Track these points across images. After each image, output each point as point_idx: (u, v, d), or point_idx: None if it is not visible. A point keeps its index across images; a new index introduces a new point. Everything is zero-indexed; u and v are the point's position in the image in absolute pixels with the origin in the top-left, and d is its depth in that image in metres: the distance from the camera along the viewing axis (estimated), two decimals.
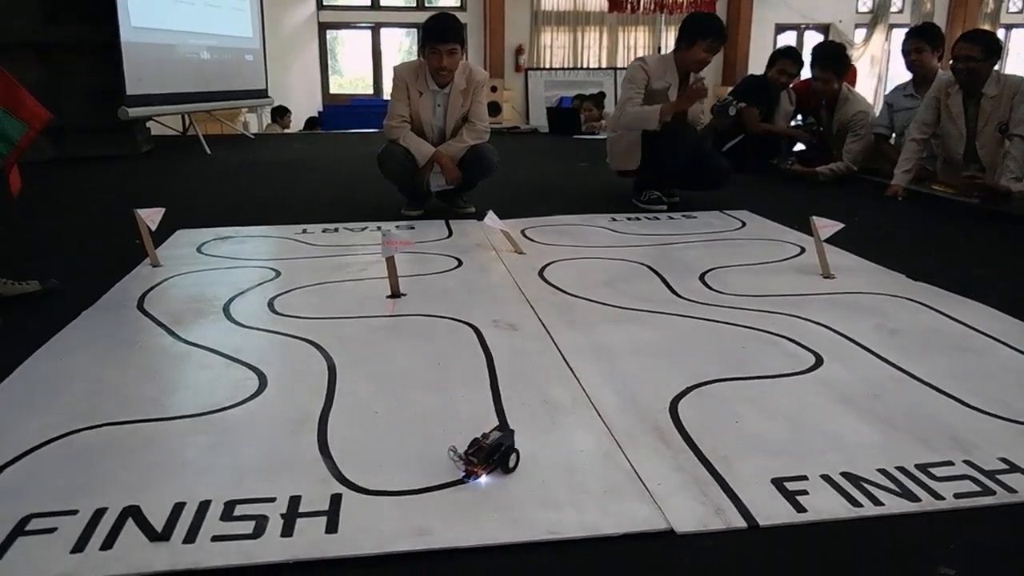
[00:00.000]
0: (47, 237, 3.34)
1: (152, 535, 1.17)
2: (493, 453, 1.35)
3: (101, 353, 1.96)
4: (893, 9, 12.96)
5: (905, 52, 4.81)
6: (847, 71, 4.85)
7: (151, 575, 1.09)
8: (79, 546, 1.15)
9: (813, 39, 13.13)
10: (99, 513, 1.23)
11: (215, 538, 1.17)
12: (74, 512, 1.23)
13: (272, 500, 1.27)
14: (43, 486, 1.32)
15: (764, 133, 5.32)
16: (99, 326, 2.18)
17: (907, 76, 4.90)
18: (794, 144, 5.41)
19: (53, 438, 1.49)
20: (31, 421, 1.56)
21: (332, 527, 1.20)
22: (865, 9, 13.02)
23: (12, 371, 1.82)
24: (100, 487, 1.31)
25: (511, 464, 1.37)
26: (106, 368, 1.86)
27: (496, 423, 1.55)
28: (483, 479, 1.33)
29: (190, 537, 1.17)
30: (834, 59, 4.88)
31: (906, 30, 5.06)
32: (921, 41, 4.68)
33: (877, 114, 5.05)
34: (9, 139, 2.09)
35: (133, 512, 1.23)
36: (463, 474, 1.34)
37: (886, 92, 5.67)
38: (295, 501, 1.27)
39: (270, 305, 2.36)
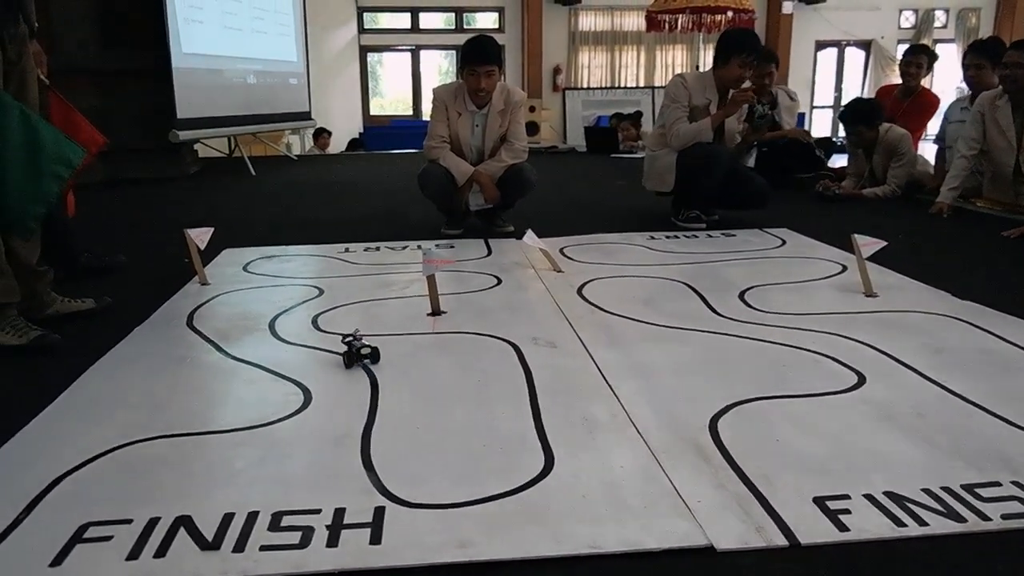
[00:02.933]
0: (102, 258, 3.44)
1: (203, 544, 1.21)
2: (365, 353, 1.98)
3: (153, 368, 2.03)
4: (937, 24, 12.78)
5: (964, 67, 4.79)
6: (880, 118, 4.80)
7: None
8: (134, 553, 1.19)
9: (854, 56, 13.03)
10: (153, 522, 1.27)
11: (263, 547, 1.20)
12: (129, 521, 1.28)
13: (318, 512, 1.30)
14: (100, 496, 1.37)
15: (776, 139, 5.28)
16: (151, 342, 2.25)
17: (951, 91, 4.87)
18: (813, 149, 5.36)
19: (109, 449, 1.54)
20: (88, 433, 1.62)
21: (376, 539, 1.22)
22: (908, 25, 12.87)
23: (69, 385, 1.88)
24: (153, 497, 1.36)
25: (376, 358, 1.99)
26: (158, 383, 1.92)
27: (536, 440, 1.57)
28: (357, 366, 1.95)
29: (239, 546, 1.21)
30: (861, 115, 4.83)
31: (955, 45, 5.08)
32: (981, 58, 4.63)
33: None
34: (70, 163, 2.18)
35: (185, 522, 1.27)
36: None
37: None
38: (340, 513, 1.30)
39: (314, 322, 2.41)
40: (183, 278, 2.92)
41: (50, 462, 1.49)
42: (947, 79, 11.76)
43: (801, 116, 5.83)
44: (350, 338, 2.02)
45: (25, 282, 2.30)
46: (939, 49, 12.36)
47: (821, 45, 12.89)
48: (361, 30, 12.05)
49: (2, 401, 1.83)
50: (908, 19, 12.86)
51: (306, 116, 8.34)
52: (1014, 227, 3.64)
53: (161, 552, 1.19)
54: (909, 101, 5.40)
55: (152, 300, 2.63)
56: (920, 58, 5.41)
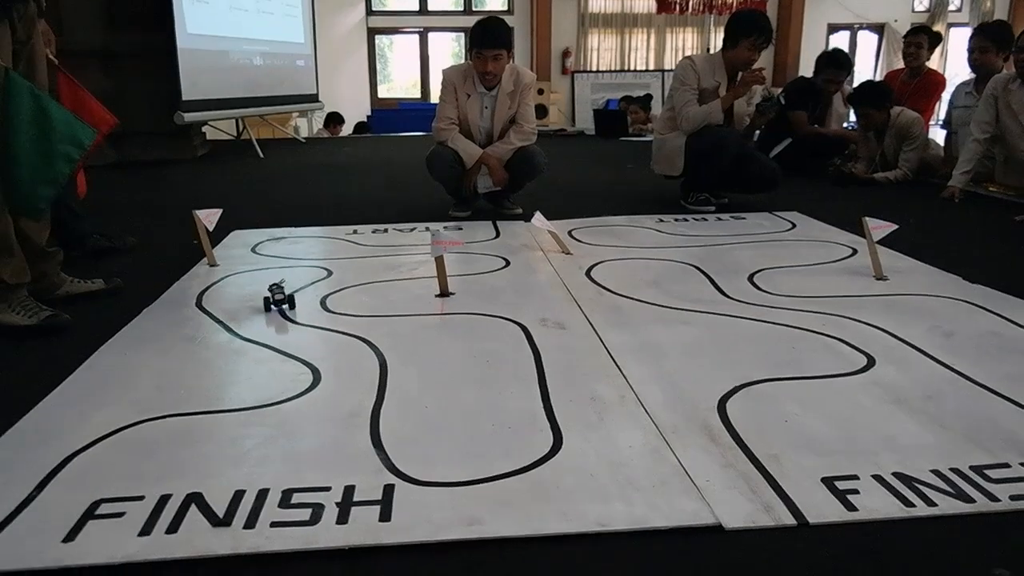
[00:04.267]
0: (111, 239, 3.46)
1: (214, 520, 1.22)
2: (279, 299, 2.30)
3: (163, 348, 2.03)
4: (951, 7, 12.62)
5: (969, 50, 4.73)
6: (890, 101, 4.77)
7: (214, 558, 1.14)
8: (146, 529, 1.20)
9: (867, 39, 12.90)
10: (164, 499, 1.28)
11: (274, 524, 1.21)
12: (141, 498, 1.29)
13: (327, 489, 1.31)
14: (111, 473, 1.38)
15: (814, 136, 5.25)
16: (160, 323, 2.26)
17: (964, 75, 4.83)
18: (846, 147, 5.31)
19: (120, 428, 1.55)
20: (99, 412, 1.63)
21: (385, 516, 1.23)
22: (922, 8, 12.72)
23: (79, 365, 1.90)
24: (165, 475, 1.37)
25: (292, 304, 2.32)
26: (168, 362, 1.93)
27: (545, 420, 1.57)
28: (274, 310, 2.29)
29: (250, 523, 1.22)
30: (870, 96, 4.80)
31: (969, 28, 5.04)
32: (986, 41, 4.59)
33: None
34: (81, 144, 2.18)
35: (196, 499, 1.28)
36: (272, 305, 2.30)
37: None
38: (349, 490, 1.30)
39: (323, 303, 2.42)
40: (192, 259, 2.93)
41: (62, 440, 1.50)
42: (960, 63, 11.65)
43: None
44: (273, 286, 2.33)
45: (35, 263, 2.31)
46: (953, 33, 12.28)
47: (834, 28, 12.75)
48: (369, 12, 11.99)
49: (14, 381, 1.84)
50: (922, 2, 12.71)
51: (314, 98, 8.32)
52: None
53: (173, 528, 1.20)
54: (915, 82, 5.36)
55: (161, 281, 2.64)
56: (920, 38, 5.38)
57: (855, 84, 5.33)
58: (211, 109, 6.47)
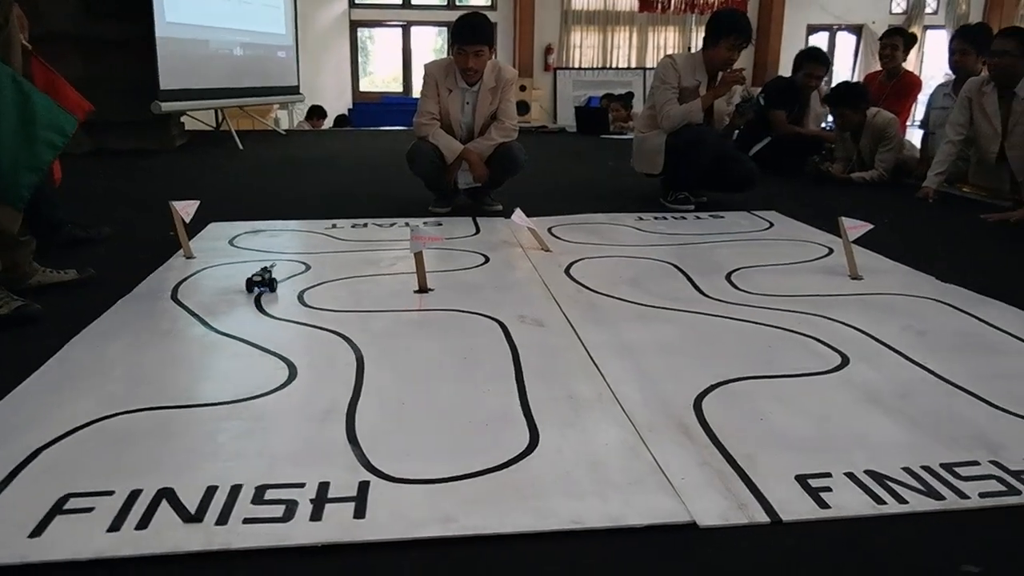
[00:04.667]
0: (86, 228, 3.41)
1: (186, 516, 1.21)
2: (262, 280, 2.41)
3: (136, 341, 2.01)
4: (928, 10, 12.76)
5: (950, 52, 4.80)
6: (866, 102, 4.82)
7: (184, 555, 1.13)
8: (115, 525, 1.18)
9: (845, 40, 13.01)
10: (135, 494, 1.26)
11: (246, 520, 1.20)
12: (110, 493, 1.27)
13: (301, 485, 1.30)
14: (80, 467, 1.36)
15: (792, 136, 5.29)
16: (134, 315, 2.23)
17: (941, 77, 4.90)
18: (824, 147, 5.35)
19: (90, 422, 1.53)
20: (69, 405, 1.60)
21: (360, 512, 1.22)
22: (899, 10, 12.85)
23: (50, 357, 1.86)
24: (135, 470, 1.35)
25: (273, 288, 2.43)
26: (141, 356, 1.91)
27: (522, 417, 1.57)
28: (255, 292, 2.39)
29: (222, 519, 1.20)
30: (846, 96, 4.85)
31: (945, 31, 5.11)
32: (966, 43, 4.64)
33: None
34: (63, 130, 2.15)
35: (167, 494, 1.27)
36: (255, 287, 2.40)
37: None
38: (324, 487, 1.29)
39: (300, 298, 2.40)
40: (168, 251, 2.90)
41: (30, 433, 1.47)
42: (937, 64, 11.78)
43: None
44: (263, 269, 2.46)
45: (6, 252, 2.27)
46: (929, 35, 12.42)
47: (813, 29, 12.84)
48: (352, 4, 11.90)
49: None
50: (899, 4, 12.83)
51: (295, 90, 8.26)
52: (996, 212, 3.66)
53: (143, 524, 1.19)
54: (892, 84, 5.42)
55: (136, 272, 2.60)
56: (895, 39, 5.49)
57: (834, 84, 5.37)
58: (190, 99, 6.40)
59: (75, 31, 5.87)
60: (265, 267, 2.48)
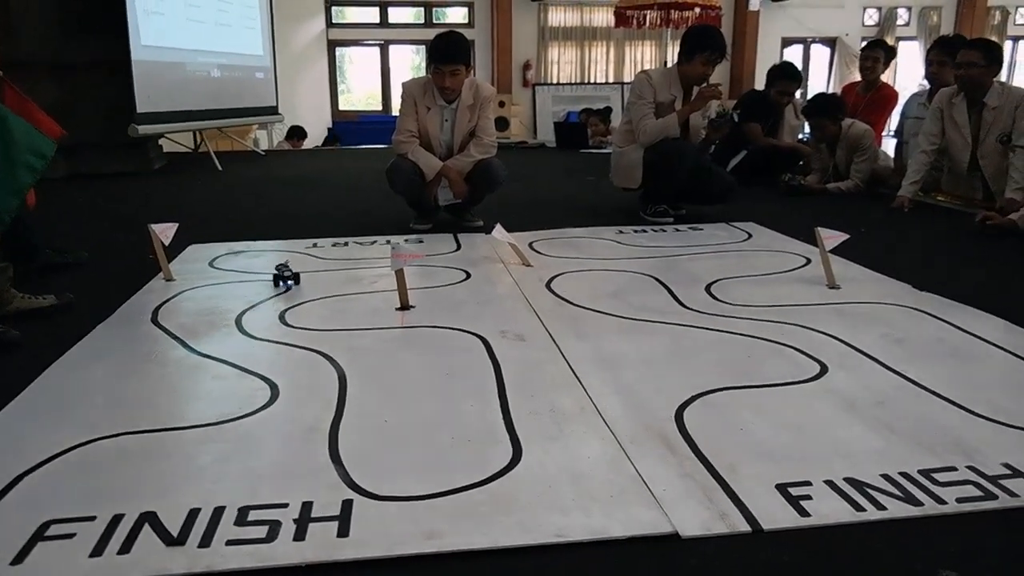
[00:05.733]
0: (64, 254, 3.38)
1: (168, 540, 1.20)
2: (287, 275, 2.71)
3: (116, 365, 2.00)
4: (899, 22, 12.98)
5: (927, 63, 4.87)
6: (843, 113, 4.89)
7: None
8: (97, 550, 1.18)
9: (819, 53, 13.20)
10: (116, 519, 1.26)
11: (229, 542, 1.20)
12: (92, 518, 1.26)
13: (285, 506, 1.30)
14: (62, 494, 1.35)
15: (768, 148, 5.35)
16: (114, 339, 2.22)
17: (913, 87, 4.98)
18: (800, 159, 5.41)
19: (71, 447, 1.52)
20: (49, 431, 1.59)
21: (343, 531, 1.22)
22: (871, 22, 13.05)
23: (30, 383, 1.85)
24: (117, 494, 1.34)
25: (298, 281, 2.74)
26: (122, 379, 1.90)
27: (505, 432, 1.58)
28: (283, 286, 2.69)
29: (205, 542, 1.20)
30: (823, 107, 4.91)
31: (918, 42, 5.20)
32: (943, 54, 4.71)
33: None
34: (42, 154, 2.15)
35: (150, 518, 1.26)
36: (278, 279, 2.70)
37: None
38: (307, 507, 1.29)
39: (281, 318, 2.39)
40: (148, 274, 2.88)
41: (11, 460, 1.46)
42: (909, 76, 11.97)
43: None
44: (280, 265, 2.74)
45: None
46: (901, 46, 12.60)
47: (787, 42, 13.02)
48: (329, 24, 11.93)
49: None
50: (872, 17, 13.04)
51: (273, 111, 8.25)
52: (977, 220, 3.64)
53: (125, 549, 1.18)
54: (869, 95, 5.50)
55: (116, 296, 2.59)
56: (876, 52, 5.56)
57: (809, 96, 5.44)
58: (168, 122, 6.38)
59: (50, 56, 5.84)
60: (282, 263, 2.76)
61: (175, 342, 2.17)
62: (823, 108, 4.91)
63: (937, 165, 4.44)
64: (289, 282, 2.70)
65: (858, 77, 5.92)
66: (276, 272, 2.72)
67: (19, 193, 2.14)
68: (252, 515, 1.27)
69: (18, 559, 1.16)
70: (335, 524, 1.24)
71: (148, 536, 1.21)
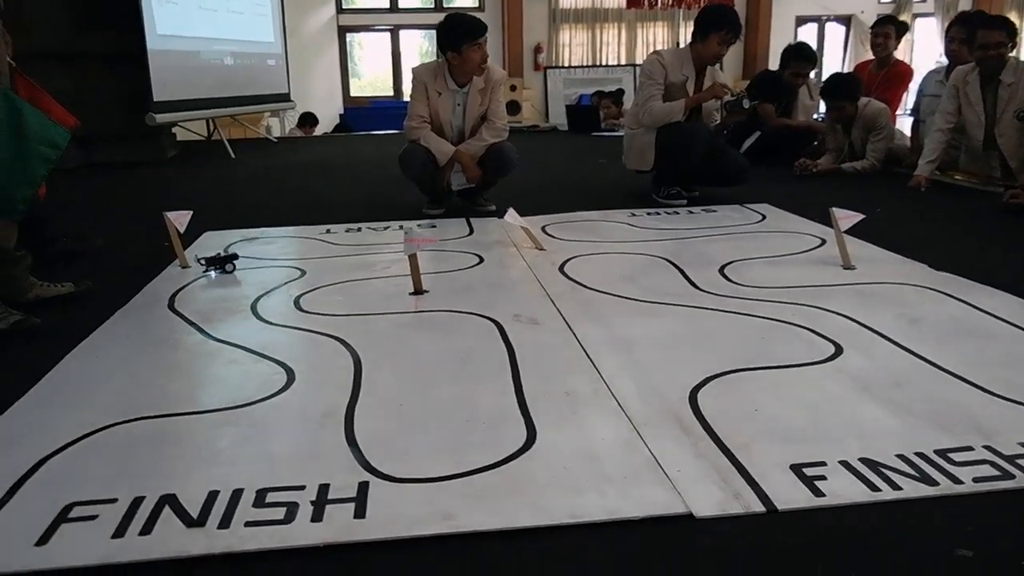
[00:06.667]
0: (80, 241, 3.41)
1: (188, 521, 1.22)
2: (217, 261, 2.70)
3: (135, 351, 2.02)
4: None
5: (948, 39, 4.80)
6: (859, 92, 4.83)
7: (188, 558, 1.14)
8: (119, 532, 1.20)
9: (835, 31, 13.03)
10: (137, 501, 1.28)
11: (248, 523, 1.21)
12: (114, 500, 1.28)
13: (302, 488, 1.31)
14: (84, 476, 1.37)
15: (782, 128, 5.30)
16: (132, 325, 2.24)
17: (931, 64, 4.92)
18: (814, 139, 5.36)
19: (92, 431, 1.54)
20: (70, 416, 1.62)
21: (360, 513, 1.24)
22: None
23: (51, 369, 1.88)
24: (138, 477, 1.36)
25: (228, 269, 2.72)
26: (140, 365, 1.92)
27: (519, 414, 1.59)
28: (212, 274, 2.68)
29: (224, 523, 1.22)
30: (841, 88, 4.85)
31: (935, 19, 5.12)
32: (964, 32, 4.64)
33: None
34: (56, 144, 2.16)
35: (170, 500, 1.28)
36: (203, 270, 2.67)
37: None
38: (324, 489, 1.31)
39: (296, 303, 2.41)
40: (164, 261, 2.91)
41: (33, 444, 1.49)
42: (927, 53, 11.81)
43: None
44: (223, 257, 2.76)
45: (2, 267, 2.28)
46: (919, 23, 12.43)
47: (802, 20, 12.86)
48: (339, 10, 11.89)
49: None
50: None
51: (285, 98, 8.26)
52: (1004, 199, 3.59)
53: (147, 530, 1.20)
54: (883, 73, 5.43)
55: (133, 284, 2.61)
56: (887, 28, 5.47)
57: (824, 76, 5.37)
58: (182, 110, 6.40)
59: (63, 45, 5.87)
60: (218, 253, 2.77)
61: (192, 328, 2.19)
62: (841, 89, 4.83)
63: (955, 144, 4.40)
64: (225, 267, 2.73)
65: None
66: (208, 262, 2.74)
67: (34, 183, 2.16)
68: (270, 497, 1.29)
69: (42, 540, 1.18)
70: (352, 506, 1.26)
71: (169, 518, 1.23)
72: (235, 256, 2.77)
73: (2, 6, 2.29)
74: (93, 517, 1.24)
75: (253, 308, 2.36)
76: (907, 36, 12.59)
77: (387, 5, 12.06)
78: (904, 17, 12.54)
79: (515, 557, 1.15)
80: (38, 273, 2.49)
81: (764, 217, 3.61)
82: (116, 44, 5.95)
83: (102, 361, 1.95)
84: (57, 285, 2.48)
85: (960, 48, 4.63)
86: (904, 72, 5.57)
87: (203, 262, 2.74)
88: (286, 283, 2.64)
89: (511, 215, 3.11)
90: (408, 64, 11.86)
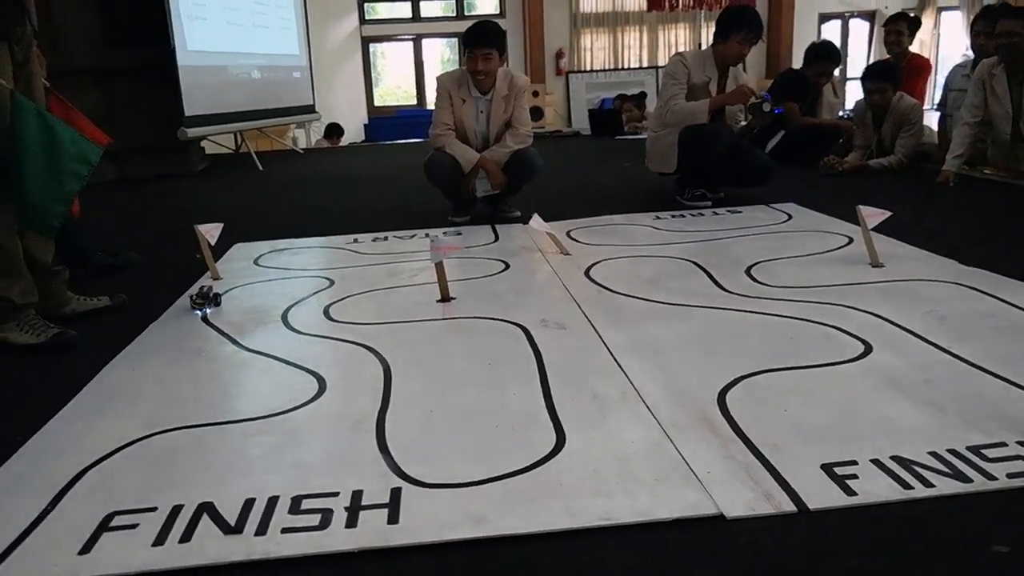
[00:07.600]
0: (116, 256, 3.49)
1: (226, 528, 1.25)
2: (208, 297, 2.49)
3: (170, 362, 2.06)
4: None
5: (975, 32, 4.75)
6: (900, 79, 4.79)
7: (227, 565, 1.17)
8: (159, 539, 1.23)
9: (859, 27, 12.90)
10: (176, 509, 1.31)
11: (284, 530, 1.24)
12: (153, 509, 1.31)
13: (336, 495, 1.33)
14: (123, 486, 1.41)
15: (807, 127, 5.26)
16: (166, 337, 2.29)
17: (957, 58, 4.86)
18: (840, 137, 5.31)
19: (130, 442, 1.58)
20: (109, 426, 1.66)
21: (393, 518, 1.26)
22: None
23: (88, 381, 1.92)
24: (176, 486, 1.39)
25: (218, 303, 2.54)
26: (175, 376, 1.96)
27: (548, 419, 1.60)
28: (207, 310, 2.48)
29: (261, 529, 1.24)
30: (887, 72, 4.82)
31: (960, 12, 5.07)
32: (990, 26, 4.58)
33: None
34: (88, 160, 2.22)
35: (208, 508, 1.31)
36: (196, 311, 2.46)
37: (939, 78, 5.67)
38: (357, 495, 1.33)
39: (326, 312, 2.44)
40: (195, 274, 2.96)
41: (74, 455, 1.53)
42: (952, 47, 11.66)
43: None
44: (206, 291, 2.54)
45: (41, 282, 2.34)
46: (944, 17, 12.27)
47: (825, 17, 12.75)
48: (362, 21, 12.02)
49: (25, 398, 1.88)
50: None
51: (310, 109, 8.36)
52: (1019, 193, 3.57)
53: (186, 537, 1.23)
54: (900, 69, 5.38)
55: (166, 296, 2.67)
56: (899, 24, 5.47)
57: (849, 74, 5.33)
58: (212, 124, 6.52)
59: (94, 62, 6.01)
60: (202, 287, 2.56)
61: (224, 339, 2.23)
62: (887, 73, 4.79)
63: (982, 137, 4.34)
64: (205, 308, 2.49)
65: None
66: (194, 300, 2.52)
67: (67, 200, 2.22)
68: (305, 504, 1.31)
69: (85, 549, 1.21)
70: (385, 511, 1.28)
71: (207, 525, 1.26)
72: (218, 294, 2.61)
73: (36, 28, 2.35)
74: (134, 526, 1.27)
75: (284, 318, 2.40)
76: (932, 30, 12.49)
77: (409, 15, 12.16)
78: (929, 11, 12.41)
79: (547, 560, 1.16)
80: (74, 287, 2.55)
81: (790, 217, 3.59)
82: (146, 60, 6.06)
83: (138, 373, 1.99)
84: (93, 299, 2.53)
85: (986, 42, 4.57)
86: (920, 65, 5.53)
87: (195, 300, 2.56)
88: (315, 293, 2.67)
89: (536, 221, 3.13)
90: (431, 73, 11.95)
